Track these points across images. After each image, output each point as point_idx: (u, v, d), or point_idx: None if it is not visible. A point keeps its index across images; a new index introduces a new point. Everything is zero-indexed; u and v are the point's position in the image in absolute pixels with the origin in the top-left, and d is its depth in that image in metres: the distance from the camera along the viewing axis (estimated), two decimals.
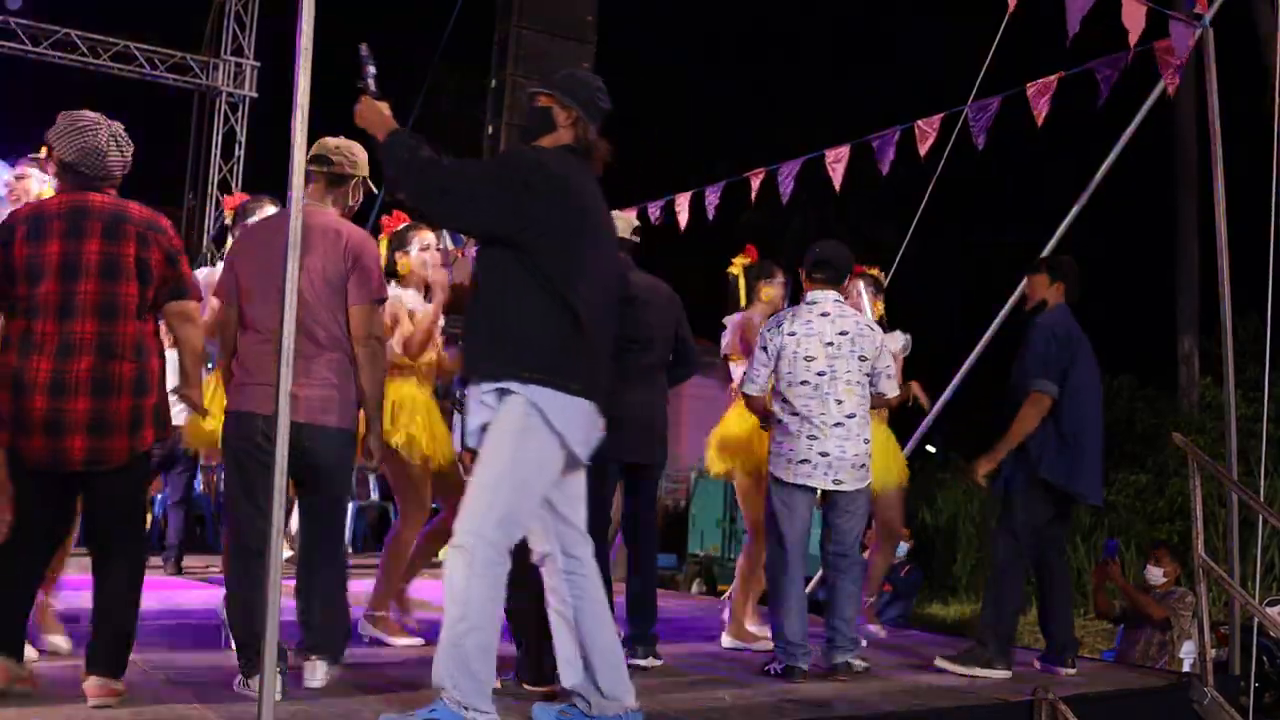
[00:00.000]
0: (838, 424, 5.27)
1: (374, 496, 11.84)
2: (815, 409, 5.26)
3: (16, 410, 3.66)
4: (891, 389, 5.52)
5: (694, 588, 14.43)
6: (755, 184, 8.46)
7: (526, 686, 4.35)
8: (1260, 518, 6.63)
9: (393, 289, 5.13)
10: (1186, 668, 7.34)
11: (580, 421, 3.62)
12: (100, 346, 3.73)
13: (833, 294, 5.47)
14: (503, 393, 3.55)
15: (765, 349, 5.36)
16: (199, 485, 10.82)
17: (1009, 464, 5.65)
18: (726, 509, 14.75)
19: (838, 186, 8.08)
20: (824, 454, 5.24)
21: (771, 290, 6.23)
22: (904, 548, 9.02)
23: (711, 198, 8.65)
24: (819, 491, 5.32)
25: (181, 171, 15.43)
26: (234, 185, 14.42)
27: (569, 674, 3.78)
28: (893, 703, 4.81)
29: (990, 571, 5.92)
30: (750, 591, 6.21)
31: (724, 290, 6.46)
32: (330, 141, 4.47)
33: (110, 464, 3.76)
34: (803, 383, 5.28)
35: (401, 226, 5.63)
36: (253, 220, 5.08)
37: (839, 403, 5.29)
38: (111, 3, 15.22)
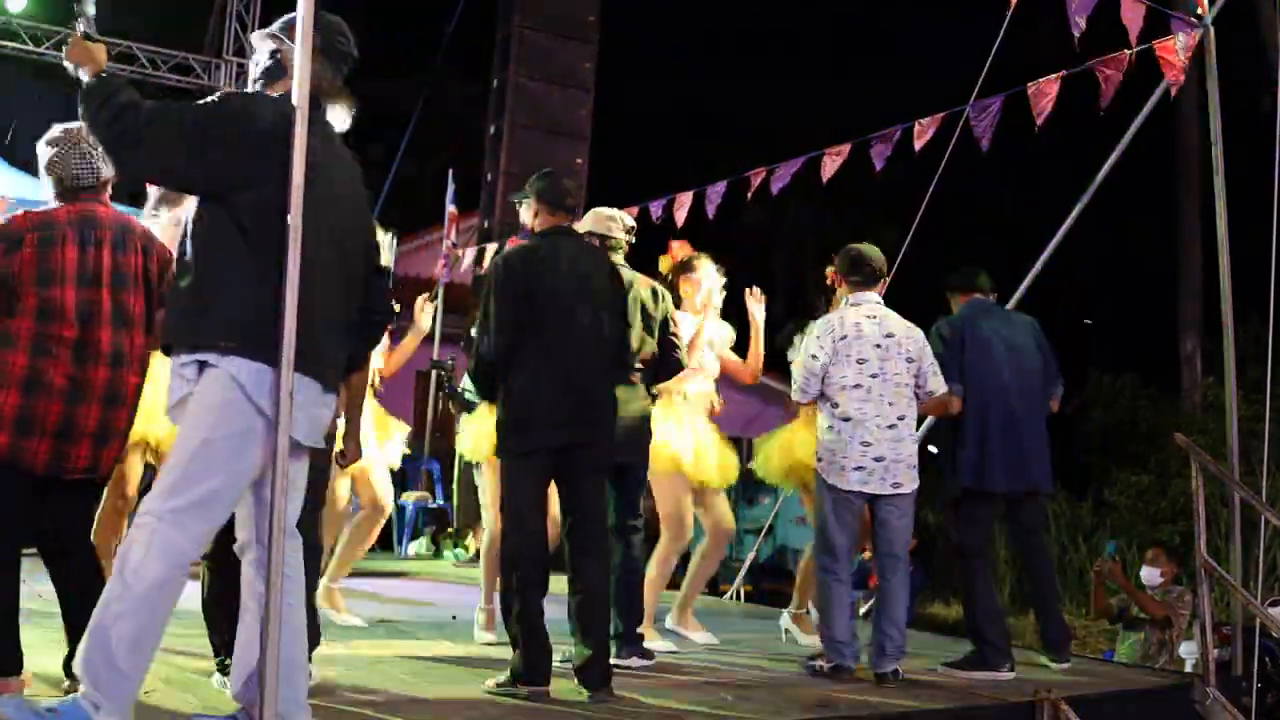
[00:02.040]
0: (891, 426, 5.28)
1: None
2: (869, 412, 5.26)
3: (24, 411, 3.66)
4: (940, 385, 5.48)
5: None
6: (755, 183, 8.44)
7: (519, 686, 4.34)
8: (1262, 518, 6.62)
9: None
10: (1188, 667, 7.33)
11: (295, 400, 3.18)
12: (114, 356, 3.79)
13: (874, 295, 5.49)
14: (202, 365, 3.19)
15: (815, 357, 5.30)
16: None
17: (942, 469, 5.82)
18: None
19: (825, 179, 8.07)
20: (879, 459, 5.24)
21: (688, 286, 6.11)
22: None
23: (713, 196, 8.63)
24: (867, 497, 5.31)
25: None
26: None
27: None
28: (894, 703, 4.80)
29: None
30: (691, 586, 6.20)
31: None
32: None
33: (102, 473, 3.83)
34: (855, 386, 5.27)
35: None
36: None
37: (891, 404, 5.30)
38: (112, 3, 15.24)
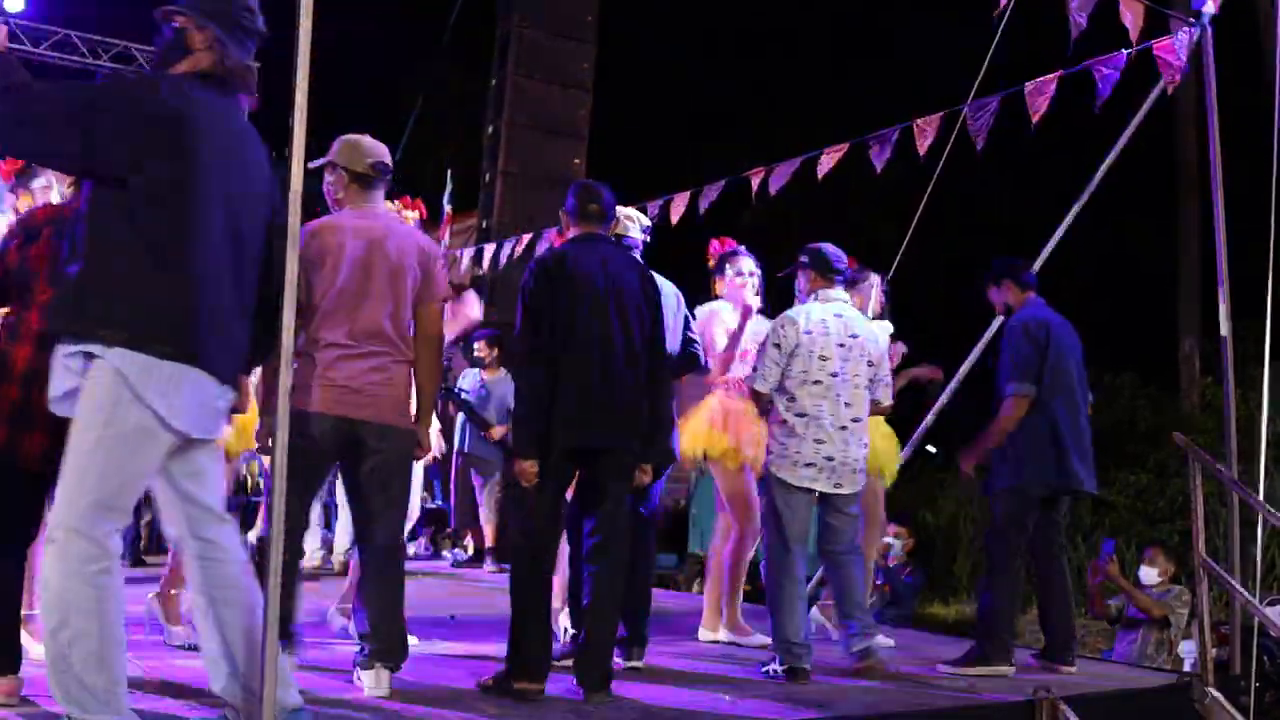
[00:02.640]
0: (843, 427, 5.27)
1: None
2: (826, 410, 5.25)
3: (24, 405, 3.66)
4: (888, 397, 5.56)
5: (695, 587, 14.42)
6: (755, 183, 8.44)
7: (515, 685, 4.34)
8: (1260, 517, 6.62)
9: None
10: (1187, 666, 7.33)
11: (184, 393, 3.12)
12: None
13: (843, 294, 5.49)
14: (88, 357, 3.09)
15: (779, 345, 5.28)
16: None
17: (992, 464, 5.70)
18: None
19: (820, 177, 8.07)
20: (829, 458, 5.24)
21: (721, 285, 6.14)
22: (900, 548, 9.00)
23: (711, 196, 8.62)
24: (817, 492, 5.31)
25: None
26: None
27: (215, 677, 3.31)
28: (893, 702, 4.80)
29: (983, 572, 5.93)
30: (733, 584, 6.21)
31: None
32: (361, 140, 4.52)
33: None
34: (815, 382, 5.26)
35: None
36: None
37: (847, 405, 5.30)
38: (111, 5, 15.20)
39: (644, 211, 9.03)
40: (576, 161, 12.83)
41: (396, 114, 16.38)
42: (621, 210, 5.43)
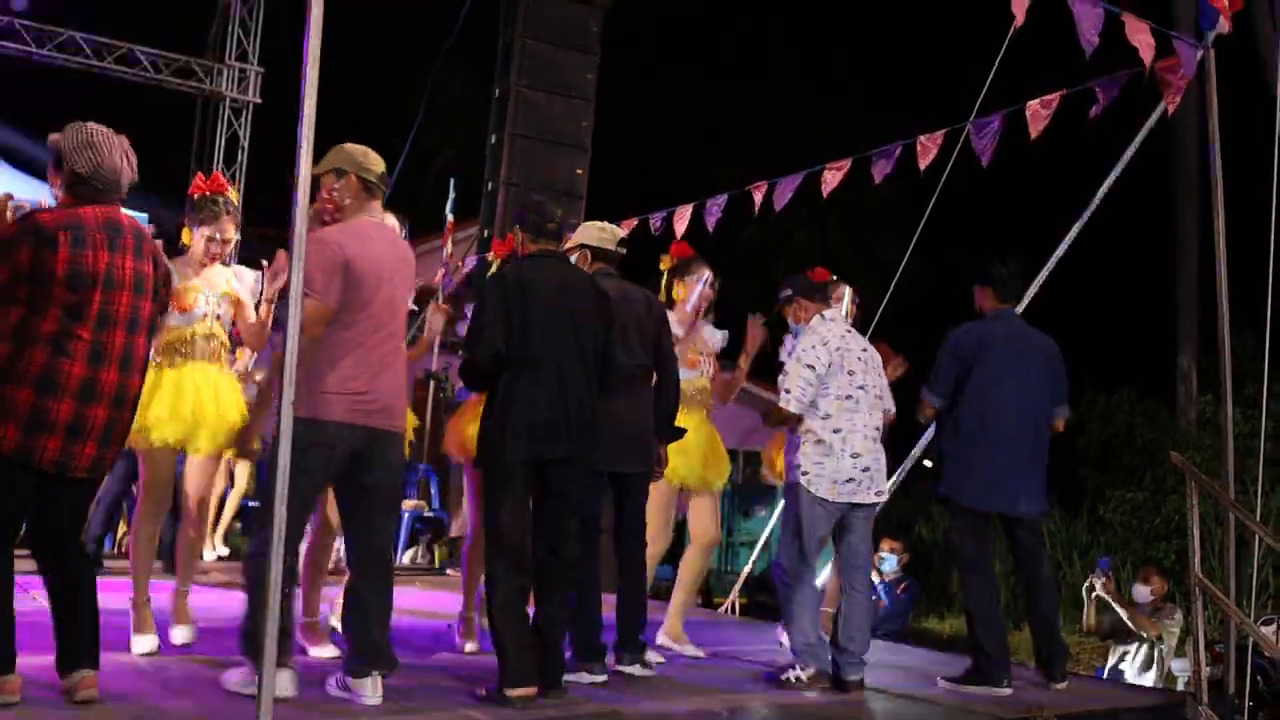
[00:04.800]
0: (871, 437, 5.40)
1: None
2: (858, 423, 5.35)
3: (37, 409, 3.69)
4: (891, 405, 5.64)
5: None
6: (757, 198, 8.48)
7: (507, 692, 4.37)
8: (1256, 536, 6.64)
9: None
10: (1180, 685, 7.35)
11: None
12: (123, 359, 3.85)
13: (841, 311, 5.61)
14: None
15: (813, 367, 5.33)
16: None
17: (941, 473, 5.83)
18: (723, 521, 14.75)
19: (826, 194, 8.11)
20: (865, 469, 5.34)
21: (683, 289, 6.11)
22: (895, 562, 9.00)
23: (713, 210, 8.66)
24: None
25: (184, 176, 15.45)
26: (238, 190, 14.38)
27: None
28: (890, 718, 4.81)
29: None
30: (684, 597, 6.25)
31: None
32: (361, 150, 4.55)
33: (101, 473, 3.88)
34: (847, 397, 5.35)
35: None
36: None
37: (871, 415, 5.43)
38: (115, 6, 15.25)
39: (647, 225, 9.13)
40: (579, 172, 12.83)
41: (398, 121, 16.40)
42: (596, 224, 5.56)
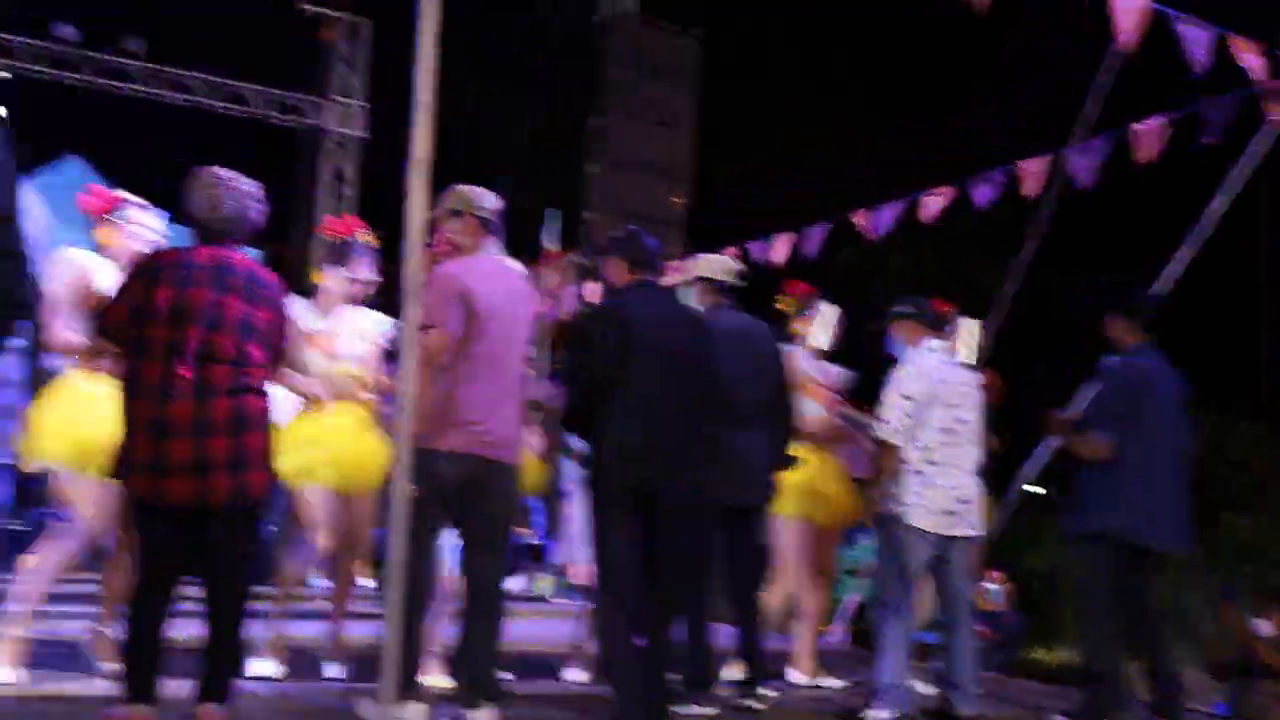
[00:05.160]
0: (971, 471, 5.37)
1: None
2: (957, 456, 5.31)
3: (158, 452, 3.77)
4: (995, 436, 5.61)
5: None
6: (855, 224, 8.45)
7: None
8: None
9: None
10: None
11: None
12: (230, 391, 3.85)
13: (944, 342, 5.54)
14: None
15: (910, 397, 5.29)
16: None
17: (1071, 508, 5.62)
18: None
19: (927, 221, 8.06)
20: (964, 500, 5.31)
21: (802, 325, 6.13)
22: (1000, 593, 8.83)
23: (813, 237, 8.66)
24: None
25: (289, 210, 15.80)
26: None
27: None
28: None
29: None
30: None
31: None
32: (477, 191, 4.64)
33: (238, 504, 3.88)
34: (947, 430, 5.31)
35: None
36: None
37: (971, 449, 5.39)
38: (221, 44, 15.65)
39: (745, 253, 9.13)
40: (678, 200, 12.92)
41: (493, 151, 16.60)
42: (713, 258, 5.64)
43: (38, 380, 5.41)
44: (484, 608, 4.42)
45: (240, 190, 4.03)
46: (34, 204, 3.99)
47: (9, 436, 7.43)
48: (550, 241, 12.04)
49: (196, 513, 3.85)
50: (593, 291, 6.55)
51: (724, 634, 5.18)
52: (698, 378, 4.72)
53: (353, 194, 15.14)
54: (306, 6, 15.13)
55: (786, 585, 5.98)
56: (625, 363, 4.53)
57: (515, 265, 4.82)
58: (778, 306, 6.24)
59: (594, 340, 4.58)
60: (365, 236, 5.31)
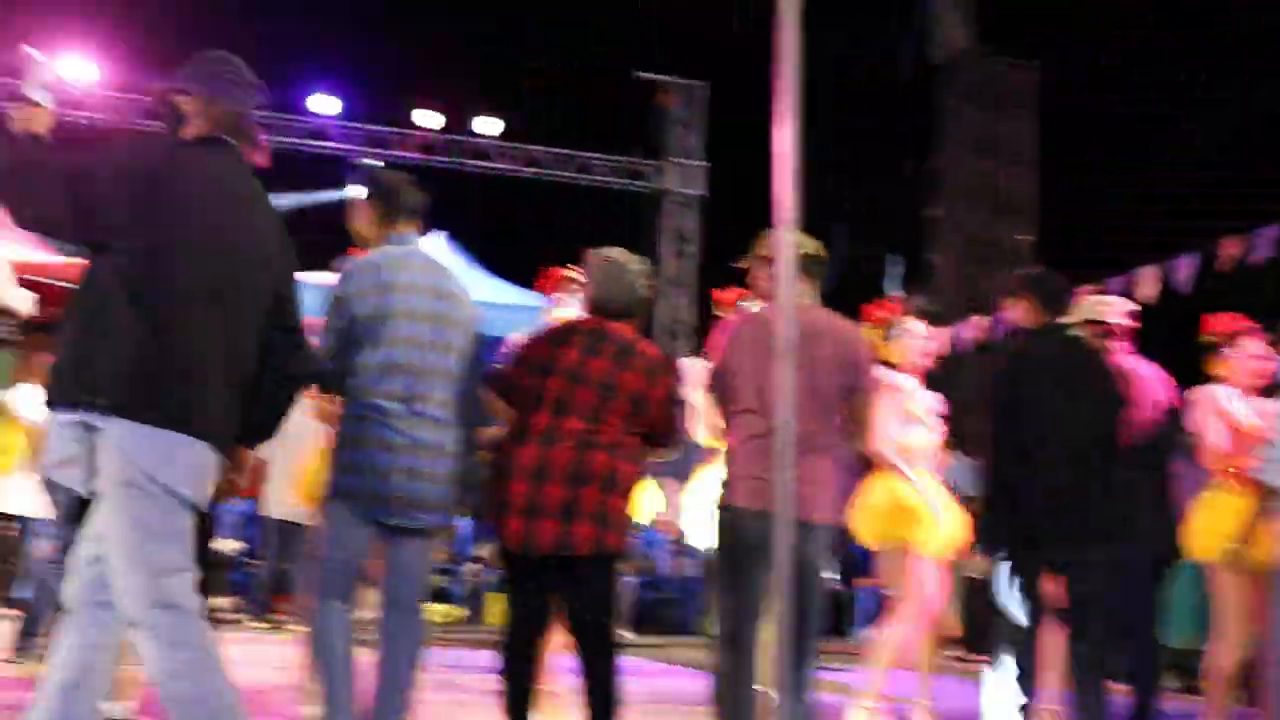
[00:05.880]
0: None
1: None
2: None
3: (534, 496, 3.98)
4: None
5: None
6: (1228, 252, 7.95)
7: None
8: None
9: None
10: None
11: (180, 461, 3.02)
12: (579, 444, 4.03)
13: None
14: (88, 427, 3.01)
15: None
16: None
17: None
18: None
19: None
20: None
21: (1234, 360, 5.65)
22: None
23: (1180, 268, 8.21)
24: None
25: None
26: (690, 282, 15.09)
27: None
28: None
29: None
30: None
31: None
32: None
33: (598, 553, 4.01)
34: None
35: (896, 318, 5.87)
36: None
37: None
38: (562, 120, 16.42)
39: (1103, 289, 8.71)
40: (1023, 238, 12.54)
41: (829, 199, 16.58)
42: (1098, 298, 5.33)
43: None
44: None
45: (632, 271, 4.29)
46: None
47: None
48: (894, 287, 11.94)
49: (561, 560, 4.00)
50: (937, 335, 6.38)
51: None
52: (1104, 426, 4.54)
53: (695, 250, 15.48)
54: (643, 75, 15.69)
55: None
56: (1035, 413, 4.42)
57: (824, 312, 4.48)
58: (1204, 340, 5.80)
59: (998, 393, 4.51)
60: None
